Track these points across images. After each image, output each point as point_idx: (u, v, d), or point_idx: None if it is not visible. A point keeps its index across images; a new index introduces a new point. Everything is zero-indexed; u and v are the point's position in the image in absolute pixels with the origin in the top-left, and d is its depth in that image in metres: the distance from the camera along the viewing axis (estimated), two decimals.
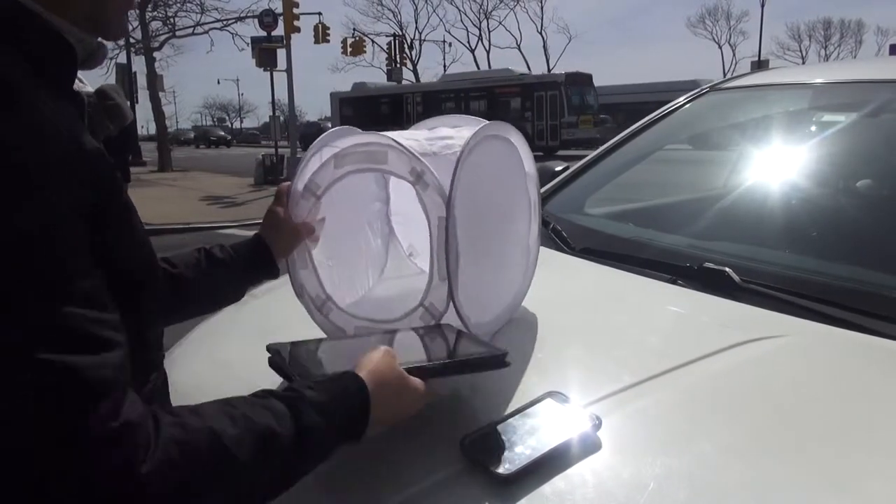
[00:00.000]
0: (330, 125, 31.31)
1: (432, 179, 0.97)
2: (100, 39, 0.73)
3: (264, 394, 0.67)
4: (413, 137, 1.05)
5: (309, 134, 33.06)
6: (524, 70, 28.39)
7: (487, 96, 25.73)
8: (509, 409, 0.86)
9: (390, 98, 29.56)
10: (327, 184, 1.06)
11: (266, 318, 1.39)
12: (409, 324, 1.02)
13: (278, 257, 1.09)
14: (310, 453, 0.67)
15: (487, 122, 1.13)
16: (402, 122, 26.51)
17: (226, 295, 1.10)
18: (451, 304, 0.98)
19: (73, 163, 0.59)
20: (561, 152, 20.81)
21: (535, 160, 1.24)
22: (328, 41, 18.87)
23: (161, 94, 21.67)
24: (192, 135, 55.67)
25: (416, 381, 0.80)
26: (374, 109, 29.00)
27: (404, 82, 35.95)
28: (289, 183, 1.11)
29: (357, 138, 1.04)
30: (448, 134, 1.09)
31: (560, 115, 22.99)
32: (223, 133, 53.72)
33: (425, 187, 0.98)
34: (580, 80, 23.90)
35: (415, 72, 47.35)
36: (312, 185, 1.07)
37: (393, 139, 1.00)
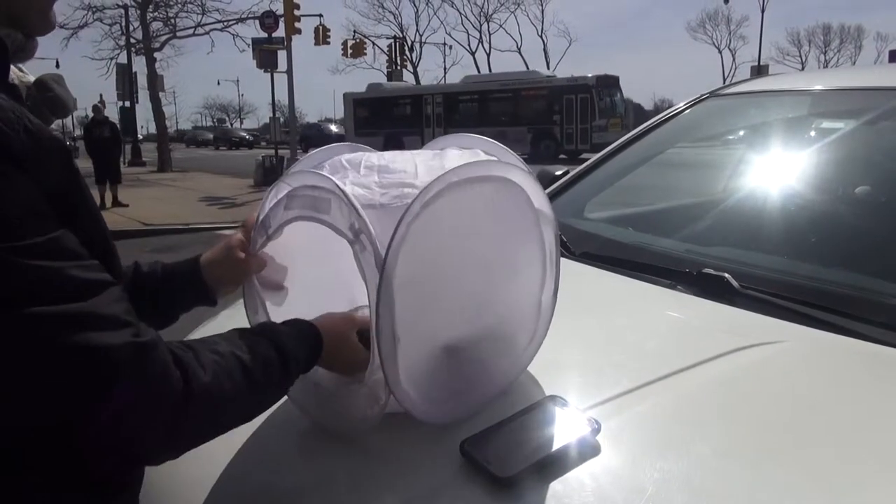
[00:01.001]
0: (335, 127, 30.70)
1: (370, 241, 0.79)
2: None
3: (251, 330, 0.82)
4: (364, 183, 0.88)
5: (309, 135, 32.58)
6: (535, 71, 27.88)
7: (512, 98, 24.40)
8: (509, 413, 0.87)
9: (408, 99, 27.76)
10: (277, 225, 0.93)
11: None
12: (349, 402, 0.91)
13: (221, 285, 1.00)
14: (290, 374, 0.81)
15: (496, 143, 1.03)
16: (422, 125, 25.85)
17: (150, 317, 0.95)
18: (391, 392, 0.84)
19: (32, 148, 0.61)
20: (586, 155, 20.60)
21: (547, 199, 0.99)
22: (328, 43, 18.88)
23: (161, 94, 21.67)
24: (210, 135, 52.52)
25: (358, 346, 0.90)
26: (390, 111, 27.48)
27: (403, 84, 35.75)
28: (255, 214, 1.00)
29: (310, 178, 0.89)
30: (408, 179, 0.89)
31: (591, 119, 22.53)
32: (245, 134, 49.81)
33: (362, 249, 0.81)
34: (609, 83, 23.54)
35: (415, 74, 47.39)
36: (267, 221, 0.95)
37: (337, 184, 0.83)
